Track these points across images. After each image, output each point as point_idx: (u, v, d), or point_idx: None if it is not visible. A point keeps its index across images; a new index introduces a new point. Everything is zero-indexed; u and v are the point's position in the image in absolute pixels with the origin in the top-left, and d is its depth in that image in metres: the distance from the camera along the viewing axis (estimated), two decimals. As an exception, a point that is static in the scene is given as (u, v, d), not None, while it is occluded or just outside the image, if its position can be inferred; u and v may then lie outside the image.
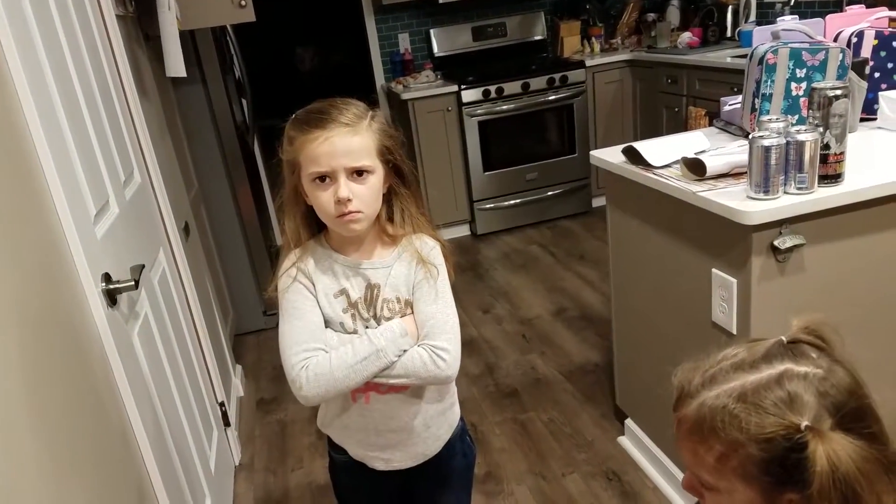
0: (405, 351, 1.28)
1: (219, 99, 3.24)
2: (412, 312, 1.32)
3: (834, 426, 0.69)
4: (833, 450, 0.66)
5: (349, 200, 1.21)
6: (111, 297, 1.45)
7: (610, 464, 2.32)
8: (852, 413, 0.71)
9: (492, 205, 4.49)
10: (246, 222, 3.48)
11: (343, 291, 1.32)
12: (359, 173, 1.23)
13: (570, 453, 2.40)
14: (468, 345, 3.20)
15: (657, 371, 2.16)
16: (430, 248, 1.35)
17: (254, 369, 3.27)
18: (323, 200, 1.23)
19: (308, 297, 1.31)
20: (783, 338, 0.78)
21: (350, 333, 1.31)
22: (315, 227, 1.36)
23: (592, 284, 3.58)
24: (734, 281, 1.61)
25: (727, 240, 1.61)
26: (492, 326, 3.34)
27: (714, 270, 1.68)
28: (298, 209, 1.31)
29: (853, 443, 0.67)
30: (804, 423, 0.68)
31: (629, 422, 2.37)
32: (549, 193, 4.53)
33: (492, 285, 3.79)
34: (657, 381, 2.12)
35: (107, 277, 1.45)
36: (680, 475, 2.05)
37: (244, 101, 3.73)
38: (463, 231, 4.63)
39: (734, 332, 1.65)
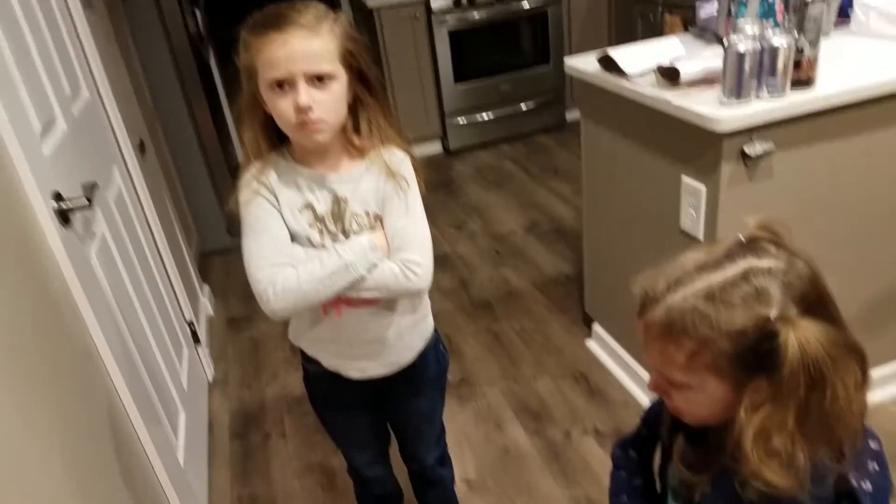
0: (375, 265, 1.25)
1: (170, 9, 3.08)
2: (382, 226, 1.30)
3: (800, 314, 0.71)
4: (802, 335, 0.69)
5: (310, 108, 1.15)
6: (64, 217, 1.40)
7: (578, 366, 2.38)
8: (815, 300, 0.73)
9: (464, 119, 4.40)
10: (204, 138, 3.38)
11: (308, 205, 1.28)
12: (320, 79, 1.16)
13: (540, 358, 2.45)
14: (442, 261, 3.20)
15: (624, 277, 2.16)
16: (400, 160, 1.30)
17: (222, 289, 3.26)
18: (282, 108, 1.17)
19: (271, 210, 1.27)
20: (741, 236, 0.79)
21: (317, 248, 1.29)
22: (276, 138, 1.30)
23: (565, 199, 3.57)
24: (703, 188, 1.61)
25: (698, 147, 1.59)
26: (465, 242, 3.34)
27: (684, 178, 1.67)
28: (257, 119, 1.25)
29: (819, 327, 0.70)
30: (773, 314, 0.70)
31: (596, 326, 2.42)
32: (523, 107, 4.45)
33: (465, 202, 3.77)
34: (624, 287, 2.17)
35: (57, 196, 1.40)
36: (642, 372, 2.15)
37: (197, 11, 3.55)
38: (435, 147, 4.56)
39: (701, 238, 1.66)
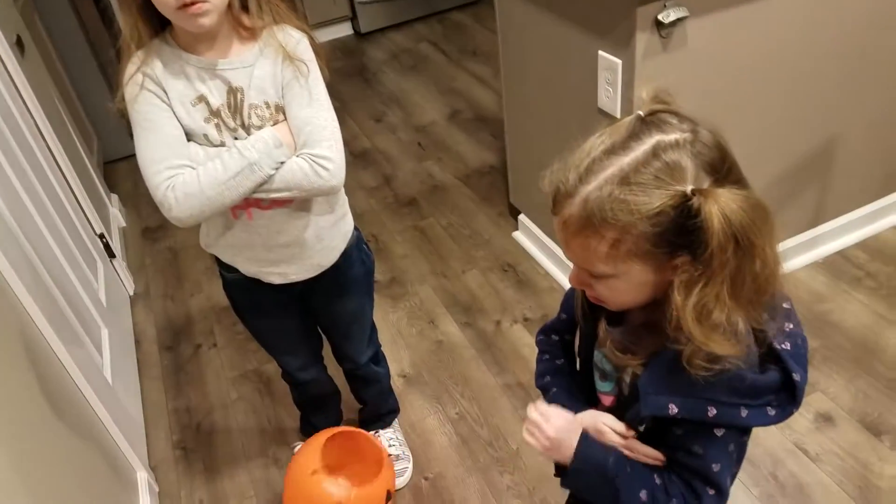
0: (282, 163, 1.17)
1: None
2: (285, 119, 1.20)
3: (713, 184, 0.70)
4: (723, 204, 0.68)
5: None
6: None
7: (506, 257, 2.40)
8: (724, 166, 0.72)
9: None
10: (90, 31, 3.07)
11: (201, 98, 1.17)
12: None
13: (468, 252, 2.46)
14: (362, 156, 3.11)
15: (547, 164, 2.20)
16: (297, 41, 1.20)
17: (132, 198, 3.09)
18: None
19: (161, 106, 1.15)
20: (640, 112, 0.76)
21: (217, 147, 1.19)
22: (157, 23, 1.17)
23: (485, 82, 3.48)
24: (619, 61, 1.57)
25: (613, 17, 1.54)
26: (386, 136, 3.24)
27: (600, 52, 1.63)
28: (134, 2, 1.12)
29: (736, 194, 0.69)
30: (689, 188, 0.69)
31: (522, 217, 2.43)
32: (437, -19, 4.22)
33: (382, 91, 3.62)
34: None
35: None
36: (567, 259, 2.18)
37: None
38: (345, 30, 4.32)
39: (619, 116, 1.64)
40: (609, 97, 1.65)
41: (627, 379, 0.87)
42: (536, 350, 1.07)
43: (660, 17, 1.47)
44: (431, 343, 2.14)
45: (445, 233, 2.58)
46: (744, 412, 0.76)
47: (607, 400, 0.93)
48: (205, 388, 2.13)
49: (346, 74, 3.82)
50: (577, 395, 0.96)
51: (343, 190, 1.33)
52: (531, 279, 2.30)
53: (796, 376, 0.76)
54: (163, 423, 2.05)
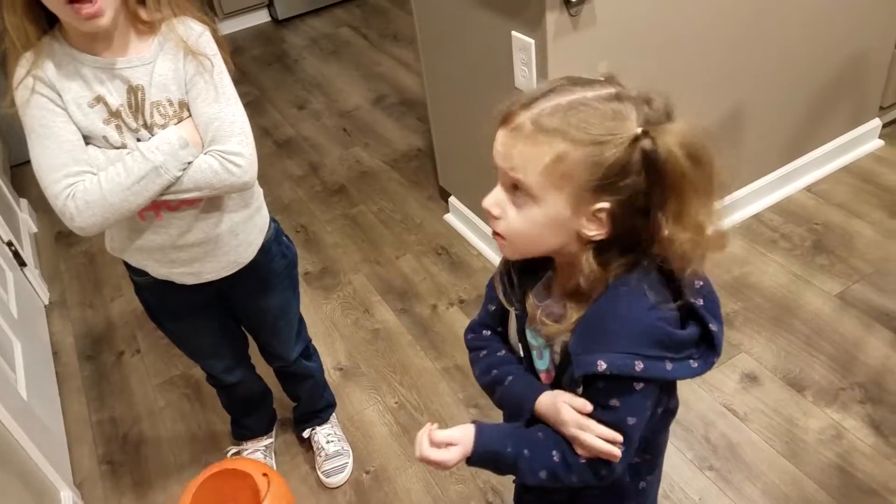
0: (189, 163, 1.13)
1: None
2: (190, 115, 1.15)
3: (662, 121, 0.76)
4: (677, 133, 0.73)
5: None
6: None
7: (438, 240, 2.39)
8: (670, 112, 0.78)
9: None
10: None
11: (99, 99, 1.11)
12: None
13: (400, 237, 2.44)
14: (287, 145, 3.04)
15: (472, 146, 2.23)
16: (198, 34, 1.14)
17: (43, 202, 2.90)
18: None
19: (55, 110, 1.09)
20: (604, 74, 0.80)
21: (118, 149, 1.13)
22: (45, 21, 1.09)
23: (409, 66, 3.45)
24: (532, 41, 1.58)
25: None
26: (310, 123, 3.17)
27: (514, 33, 1.63)
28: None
29: (681, 122, 0.75)
30: (639, 130, 0.73)
31: (453, 199, 2.42)
32: (353, -34, 4.14)
33: (303, 77, 3.54)
34: (473, 156, 2.20)
35: None
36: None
37: None
38: (262, 17, 4.19)
39: None
40: (525, 77, 1.65)
41: (558, 349, 0.88)
42: (468, 350, 1.02)
43: (567, -5, 1.48)
44: (367, 332, 2.11)
45: (376, 219, 2.55)
46: (668, 365, 0.80)
47: (546, 378, 0.94)
48: (130, 398, 2.05)
49: (266, 62, 3.71)
50: (533, 378, 0.94)
51: (257, 183, 1.29)
52: (465, 260, 2.30)
53: (713, 327, 0.81)
54: (87, 437, 1.96)
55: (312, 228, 2.56)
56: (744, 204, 2.20)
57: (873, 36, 2.11)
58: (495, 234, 0.83)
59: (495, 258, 2.24)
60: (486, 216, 0.82)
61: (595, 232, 0.78)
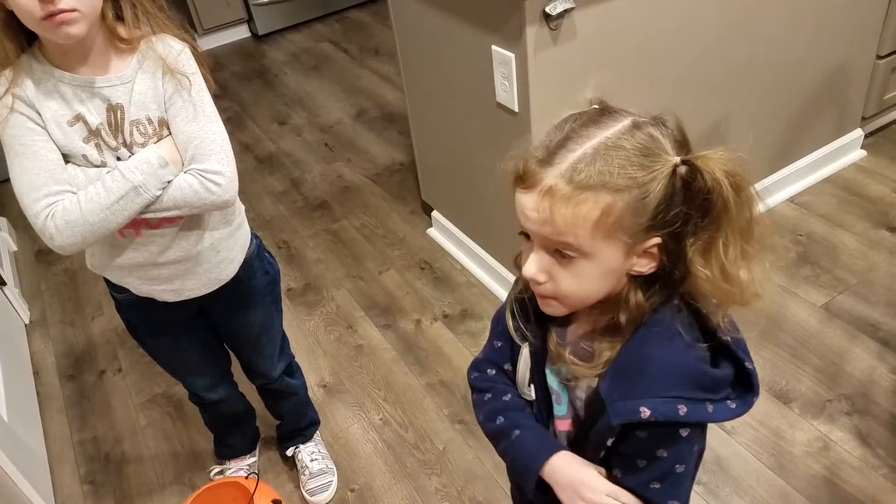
0: (169, 182, 1.11)
1: None
2: (169, 133, 1.14)
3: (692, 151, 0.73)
4: (717, 161, 0.69)
5: None
6: None
7: (422, 255, 2.37)
8: (689, 145, 0.75)
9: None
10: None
11: (79, 117, 1.10)
12: None
13: (384, 252, 2.42)
14: (268, 161, 3.01)
15: (455, 160, 2.21)
16: (178, 52, 1.14)
17: (23, 220, 2.86)
18: None
19: (35, 129, 1.08)
20: (595, 106, 0.76)
21: (98, 167, 1.12)
22: (23, 38, 1.08)
23: (390, 80, 3.44)
24: (512, 55, 1.57)
25: (503, 12, 1.54)
26: (291, 138, 3.15)
27: (494, 47, 1.62)
28: None
29: (720, 151, 0.71)
30: (677, 159, 0.70)
31: (436, 214, 2.40)
32: (333, -20, 4.14)
33: (284, 92, 3.52)
34: (456, 170, 2.20)
35: None
36: (482, 253, 2.18)
37: None
38: (242, 32, 4.18)
39: (516, 109, 1.64)
40: (506, 91, 1.64)
41: (582, 395, 0.83)
42: (471, 389, 0.96)
43: (547, 9, 1.47)
44: (351, 349, 2.09)
45: (359, 234, 2.53)
46: (710, 407, 0.75)
47: (564, 425, 0.88)
48: (112, 417, 2.01)
49: (246, 78, 3.69)
50: (546, 432, 0.89)
51: (239, 200, 1.27)
52: (448, 275, 2.28)
53: (749, 365, 0.77)
54: (68, 457, 1.92)
55: (295, 244, 2.53)
56: (727, 215, 2.19)
57: (853, 47, 2.13)
58: (541, 296, 0.78)
59: (479, 272, 2.22)
60: (531, 284, 0.77)
61: (647, 267, 0.74)
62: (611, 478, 0.82)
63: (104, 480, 1.84)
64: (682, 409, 0.73)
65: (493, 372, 0.93)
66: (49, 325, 2.37)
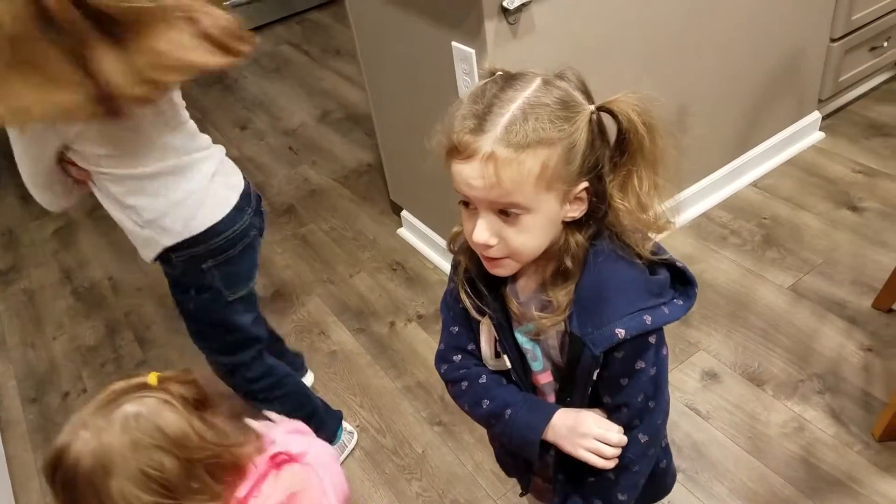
0: None
1: None
2: None
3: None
4: (628, 102, 0.76)
5: None
6: None
7: (393, 256, 2.35)
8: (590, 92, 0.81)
9: (227, 1, 3.96)
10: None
11: None
12: None
13: (354, 255, 2.39)
14: (230, 167, 2.95)
15: (421, 159, 2.19)
16: None
17: (-20, 243, 2.80)
18: None
19: None
20: (500, 71, 0.80)
21: None
22: None
23: (353, 80, 3.41)
24: (472, 51, 1.56)
25: (461, 8, 1.53)
26: (253, 143, 3.11)
27: (454, 43, 1.61)
28: None
29: (628, 94, 0.77)
30: (592, 107, 0.76)
31: (405, 213, 2.39)
32: (291, -17, 4.09)
33: (244, 97, 3.47)
34: (423, 169, 2.17)
35: None
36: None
37: None
38: (201, 39, 4.10)
39: None
40: (468, 86, 1.63)
41: (555, 343, 0.87)
42: (446, 383, 0.96)
43: (504, 3, 1.47)
44: (324, 355, 2.06)
45: (328, 237, 2.50)
46: (665, 309, 0.82)
47: (544, 377, 0.92)
48: (81, 439, 1.95)
49: (205, 83, 3.63)
50: (537, 400, 0.92)
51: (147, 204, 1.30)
52: (421, 274, 2.26)
53: (679, 264, 0.85)
54: (33, 485, 1.86)
55: (262, 251, 2.48)
56: (692, 203, 2.22)
57: (808, 30, 2.16)
58: (491, 259, 0.81)
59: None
60: (478, 249, 0.80)
61: (578, 211, 0.80)
62: (602, 408, 0.89)
63: (75, 504, 1.79)
64: (648, 319, 0.80)
65: (459, 357, 0.95)
66: (8, 347, 2.31)
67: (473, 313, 0.89)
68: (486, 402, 0.91)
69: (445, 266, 2.24)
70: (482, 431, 1.72)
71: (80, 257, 2.64)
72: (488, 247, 0.79)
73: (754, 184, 2.32)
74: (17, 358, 2.26)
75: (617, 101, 0.76)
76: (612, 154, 0.79)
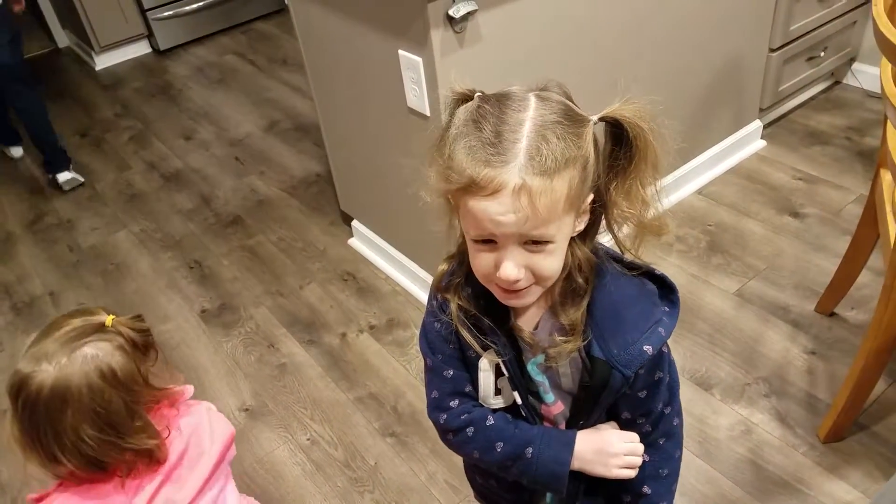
0: None
1: None
2: None
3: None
4: (627, 108, 0.73)
5: None
6: None
7: (344, 266, 2.32)
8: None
9: (170, 12, 3.89)
10: None
11: None
12: None
13: (304, 266, 2.35)
14: (175, 178, 2.88)
15: (371, 168, 2.17)
16: None
17: None
18: None
19: None
20: (479, 92, 0.76)
21: None
22: None
23: (301, 91, 3.37)
24: (419, 59, 1.55)
25: (407, 16, 1.52)
26: (199, 154, 3.03)
27: (401, 52, 1.60)
28: None
29: (627, 103, 0.75)
30: (594, 118, 0.73)
31: (356, 223, 2.36)
32: (236, -9, 4.03)
33: (189, 107, 3.39)
34: (373, 179, 2.16)
35: None
36: (406, 261, 2.14)
37: None
38: (142, 48, 4.02)
39: (428, 114, 1.62)
40: (416, 95, 1.62)
41: (568, 371, 0.83)
42: (444, 432, 0.89)
43: (450, 12, 1.46)
44: (273, 368, 2.01)
45: (277, 248, 2.45)
46: (666, 319, 0.81)
47: (556, 409, 0.88)
48: (18, 459, 1.84)
49: (149, 94, 3.54)
50: (553, 430, 0.88)
51: None
52: (372, 285, 2.23)
53: (657, 271, 0.84)
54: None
55: (207, 263, 2.43)
56: (641, 210, 2.24)
57: (747, 41, 2.22)
58: (513, 291, 0.75)
59: (404, 280, 2.18)
60: (502, 284, 0.74)
61: (584, 224, 0.77)
62: (620, 422, 0.88)
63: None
64: (662, 331, 0.80)
65: (457, 402, 0.87)
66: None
67: (478, 349, 0.83)
68: (500, 445, 0.85)
69: (397, 276, 2.21)
70: (435, 442, 1.71)
71: (20, 271, 2.54)
72: (517, 281, 0.73)
73: (699, 191, 2.36)
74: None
75: (620, 109, 0.73)
76: (612, 162, 0.75)
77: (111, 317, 0.99)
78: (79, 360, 0.93)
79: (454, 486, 1.63)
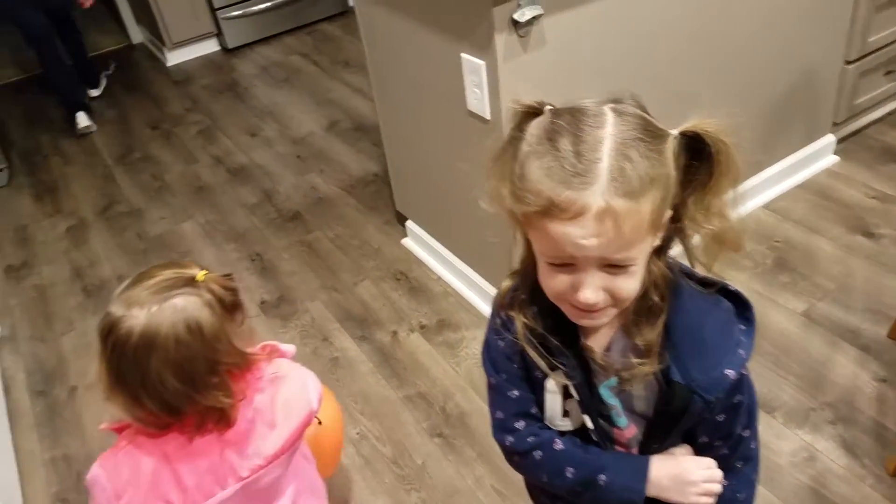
0: None
1: None
2: None
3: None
4: (708, 122, 0.69)
5: None
6: None
7: (397, 265, 2.33)
8: None
9: (239, 11, 3.98)
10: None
11: None
12: None
13: (358, 263, 2.37)
14: (240, 173, 2.95)
15: (428, 170, 2.18)
16: None
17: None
18: None
19: None
20: (549, 106, 0.73)
21: None
22: None
23: (362, 91, 3.40)
24: (482, 63, 1.55)
25: (471, 19, 1.52)
26: (263, 150, 3.10)
27: (463, 55, 1.59)
28: None
29: (708, 118, 0.71)
30: (675, 132, 0.70)
31: (410, 223, 2.37)
32: (302, -8, 4.10)
33: (255, 105, 3.47)
34: (429, 180, 2.16)
35: None
36: (457, 262, 2.13)
37: None
38: (211, 46, 4.12)
39: (488, 117, 1.61)
40: (477, 99, 1.61)
41: (642, 393, 0.80)
42: (511, 454, 0.87)
43: (515, 16, 1.45)
44: (326, 361, 2.03)
45: (333, 245, 2.48)
46: (743, 338, 0.78)
47: (629, 432, 0.85)
48: (83, 434, 1.95)
49: (217, 91, 3.63)
50: (626, 455, 0.85)
51: None
52: (424, 285, 2.23)
53: (731, 287, 0.81)
54: (40, 475, 1.86)
55: (268, 256, 2.47)
56: (704, 223, 2.19)
57: (821, 53, 2.14)
58: (587, 311, 0.72)
59: (455, 282, 2.18)
60: (580, 306, 0.72)
61: (661, 239, 0.74)
62: (696, 446, 0.85)
63: (77, 499, 1.77)
64: (742, 352, 0.77)
65: (524, 424, 0.85)
66: (19, 340, 2.31)
67: (545, 370, 0.80)
68: (570, 471, 0.82)
69: (449, 277, 2.21)
70: (483, 447, 1.70)
71: (91, 256, 2.63)
72: (595, 303, 0.70)
73: (766, 206, 2.29)
74: (26, 352, 2.25)
75: (702, 124, 0.70)
76: (689, 176, 0.71)
77: (203, 272, 0.99)
78: (168, 311, 0.94)
79: (500, 491, 1.61)
